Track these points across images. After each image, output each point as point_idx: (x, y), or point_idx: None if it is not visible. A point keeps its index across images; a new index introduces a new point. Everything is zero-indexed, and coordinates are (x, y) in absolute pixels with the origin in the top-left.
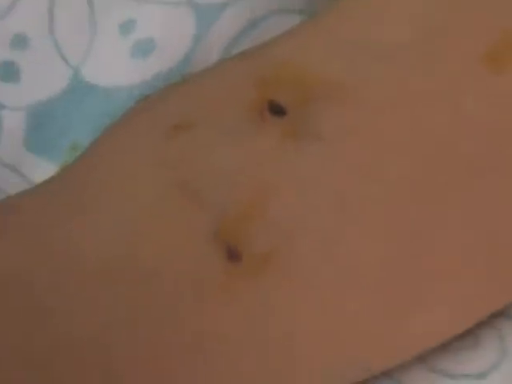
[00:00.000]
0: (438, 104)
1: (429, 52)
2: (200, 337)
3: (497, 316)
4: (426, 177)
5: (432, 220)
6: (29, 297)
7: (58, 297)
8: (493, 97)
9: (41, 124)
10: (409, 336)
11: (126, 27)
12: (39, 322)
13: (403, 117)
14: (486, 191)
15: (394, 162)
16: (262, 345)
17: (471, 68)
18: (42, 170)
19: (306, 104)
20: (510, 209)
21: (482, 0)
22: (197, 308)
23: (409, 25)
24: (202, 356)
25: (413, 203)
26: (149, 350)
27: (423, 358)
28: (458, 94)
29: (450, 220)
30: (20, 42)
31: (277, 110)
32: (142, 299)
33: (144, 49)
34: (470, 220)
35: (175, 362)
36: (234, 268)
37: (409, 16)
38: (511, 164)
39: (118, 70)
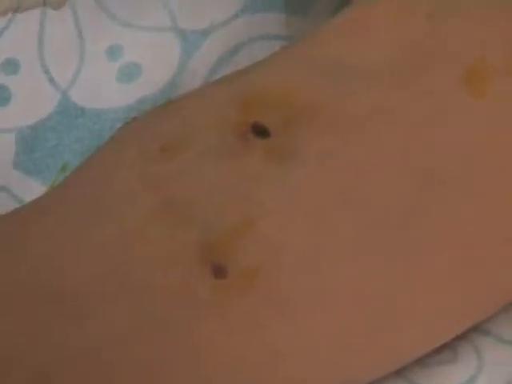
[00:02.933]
0: (418, 125)
1: (408, 74)
2: (189, 351)
3: (472, 331)
4: (405, 197)
5: (409, 239)
6: (22, 311)
7: (47, 311)
8: (471, 119)
9: (31, 146)
10: (387, 351)
11: (113, 52)
12: (32, 337)
13: (382, 138)
14: (464, 212)
15: (374, 183)
16: (248, 359)
17: (450, 90)
18: (33, 190)
19: (289, 126)
20: (485, 228)
21: (458, 26)
22: (185, 323)
23: (387, 48)
24: (192, 369)
25: (392, 223)
26: (140, 365)
27: (401, 372)
28: (437, 116)
29: (427, 239)
30: (11, 66)
31: (260, 131)
32: (132, 316)
33: (130, 73)
34: (446, 239)
35: (165, 375)
36: (220, 284)
37: (387, 40)
38: (488, 184)
39: (105, 93)
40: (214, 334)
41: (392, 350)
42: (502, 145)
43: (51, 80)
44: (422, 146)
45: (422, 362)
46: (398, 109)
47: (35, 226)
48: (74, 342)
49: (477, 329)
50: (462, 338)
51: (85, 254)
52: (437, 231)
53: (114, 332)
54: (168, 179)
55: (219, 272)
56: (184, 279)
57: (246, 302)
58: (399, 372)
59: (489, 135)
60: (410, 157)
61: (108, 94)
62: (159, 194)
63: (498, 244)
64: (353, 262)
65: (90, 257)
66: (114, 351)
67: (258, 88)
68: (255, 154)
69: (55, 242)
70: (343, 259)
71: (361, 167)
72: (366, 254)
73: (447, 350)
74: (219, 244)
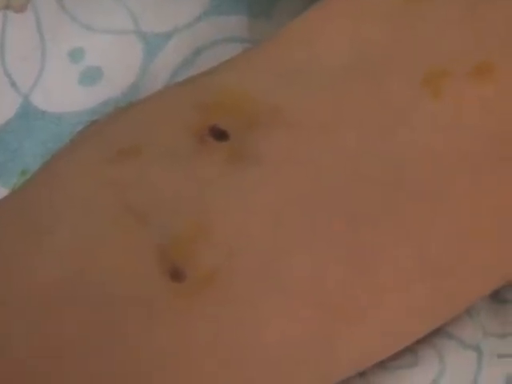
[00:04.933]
0: (378, 127)
1: (367, 76)
2: (148, 356)
3: (435, 333)
4: (363, 198)
5: (367, 241)
6: None
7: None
8: (432, 120)
9: None
10: (346, 350)
11: (75, 55)
12: None
13: (342, 141)
14: (425, 213)
15: (334, 187)
16: (207, 363)
17: (410, 92)
18: None
19: (248, 129)
20: (448, 231)
21: (419, 29)
22: (144, 327)
23: (347, 51)
24: (151, 375)
25: (349, 224)
26: (98, 371)
27: (362, 375)
28: (397, 117)
29: (385, 241)
30: None
31: (219, 135)
32: (90, 320)
33: (92, 76)
34: (405, 241)
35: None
36: (179, 288)
37: (347, 43)
38: (449, 186)
39: (67, 96)
40: (173, 339)
41: (352, 349)
42: (467, 147)
43: (13, 84)
44: (381, 147)
45: (384, 365)
46: (360, 112)
47: None
48: (22, 354)
49: (439, 332)
50: (424, 341)
51: (34, 262)
52: (394, 236)
53: (66, 342)
54: (127, 182)
55: (177, 275)
56: (142, 284)
57: (204, 303)
58: (361, 373)
59: (454, 137)
60: (369, 158)
61: (70, 97)
62: (118, 197)
63: (462, 247)
64: (308, 262)
65: (40, 265)
66: (65, 363)
67: (219, 90)
68: (214, 157)
69: (12, 247)
70: (298, 259)
71: (321, 170)
72: (322, 254)
73: (408, 353)
74: (177, 247)
